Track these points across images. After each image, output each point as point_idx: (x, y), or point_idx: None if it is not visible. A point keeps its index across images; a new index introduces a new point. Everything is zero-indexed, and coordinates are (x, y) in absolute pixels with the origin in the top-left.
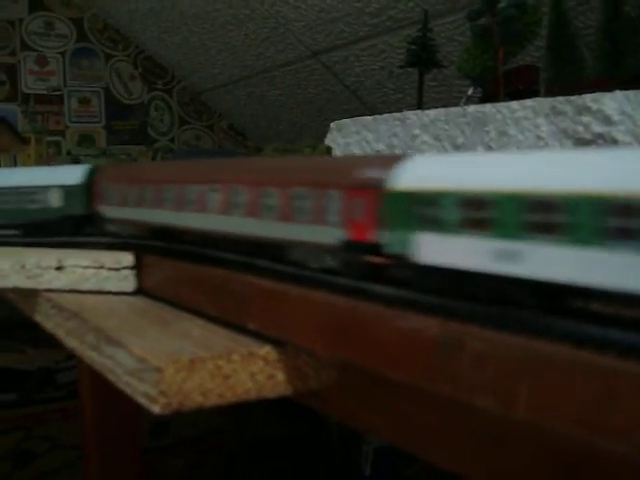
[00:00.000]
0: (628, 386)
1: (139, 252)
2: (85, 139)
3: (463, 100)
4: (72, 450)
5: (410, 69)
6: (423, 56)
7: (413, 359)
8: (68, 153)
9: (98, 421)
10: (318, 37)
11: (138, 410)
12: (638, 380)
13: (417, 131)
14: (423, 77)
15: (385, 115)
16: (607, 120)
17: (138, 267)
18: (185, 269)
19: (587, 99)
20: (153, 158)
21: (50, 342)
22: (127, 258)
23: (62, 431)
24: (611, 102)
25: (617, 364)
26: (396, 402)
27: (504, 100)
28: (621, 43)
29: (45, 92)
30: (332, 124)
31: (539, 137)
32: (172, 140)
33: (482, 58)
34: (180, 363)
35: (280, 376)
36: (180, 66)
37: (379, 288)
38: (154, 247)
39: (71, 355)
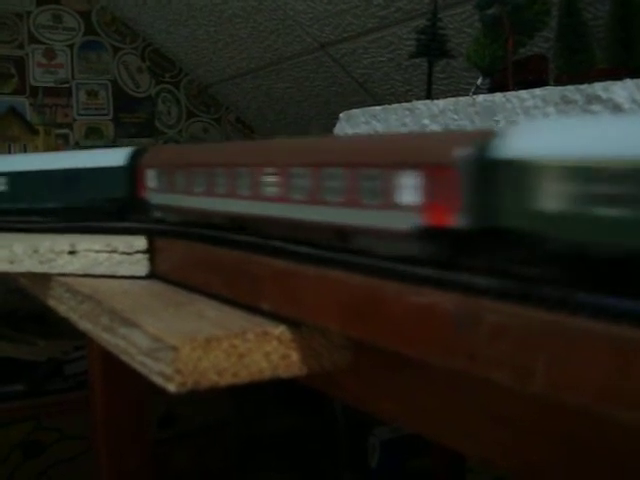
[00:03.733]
0: None
1: (153, 236)
2: (93, 132)
3: (472, 90)
4: (80, 441)
5: (419, 60)
6: (432, 46)
7: (429, 335)
8: (76, 144)
9: (108, 411)
10: (326, 29)
11: (148, 400)
12: None
13: (426, 121)
14: (432, 67)
15: (394, 105)
16: (618, 108)
17: (151, 251)
18: (198, 252)
19: (597, 88)
20: None
21: (58, 333)
22: (140, 242)
23: (70, 422)
24: (621, 90)
25: (633, 334)
26: (411, 386)
27: (513, 89)
28: (631, 31)
29: (53, 85)
30: (341, 114)
31: None
32: (180, 133)
33: (491, 48)
34: (196, 342)
35: (294, 356)
36: (188, 59)
37: (393, 265)
38: (167, 231)
39: (79, 346)
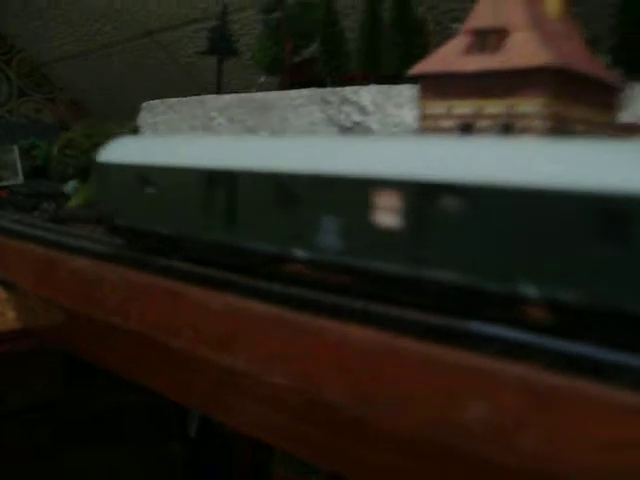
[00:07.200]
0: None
1: None
2: None
3: (255, 87)
4: None
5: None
6: (221, 44)
7: (76, 290)
8: None
9: None
10: (152, 16)
11: None
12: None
13: (214, 113)
14: (222, 64)
15: (188, 97)
16: (363, 110)
17: None
18: None
19: (348, 91)
20: None
21: None
22: None
23: None
24: (366, 95)
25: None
26: (119, 341)
27: (288, 89)
28: (377, 42)
29: None
30: (143, 104)
31: (313, 123)
32: (10, 112)
33: (273, 50)
34: None
35: (10, 314)
36: (19, 36)
37: (65, 238)
38: None
39: None
